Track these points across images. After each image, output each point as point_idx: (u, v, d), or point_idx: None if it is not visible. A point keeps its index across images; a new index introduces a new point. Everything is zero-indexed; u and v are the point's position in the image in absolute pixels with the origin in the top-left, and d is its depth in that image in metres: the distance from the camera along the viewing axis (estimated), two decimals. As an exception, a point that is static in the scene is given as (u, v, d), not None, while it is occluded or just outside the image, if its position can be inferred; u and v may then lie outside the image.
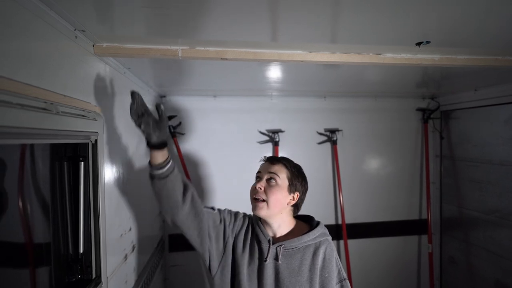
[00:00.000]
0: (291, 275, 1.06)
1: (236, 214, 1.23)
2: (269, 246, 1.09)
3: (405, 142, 2.64)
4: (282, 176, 1.12)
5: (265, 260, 1.07)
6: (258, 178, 1.15)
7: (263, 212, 1.09)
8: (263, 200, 1.09)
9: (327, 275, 1.07)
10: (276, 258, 1.07)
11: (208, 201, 2.40)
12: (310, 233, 1.10)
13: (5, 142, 0.66)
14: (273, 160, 1.16)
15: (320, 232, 1.12)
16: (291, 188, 1.13)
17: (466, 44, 1.19)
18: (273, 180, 1.11)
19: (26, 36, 0.75)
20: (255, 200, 1.11)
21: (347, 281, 1.11)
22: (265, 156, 1.21)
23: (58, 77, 0.89)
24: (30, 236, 0.92)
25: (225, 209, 1.23)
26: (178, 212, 1.08)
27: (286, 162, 1.16)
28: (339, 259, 1.13)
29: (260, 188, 1.10)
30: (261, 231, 1.13)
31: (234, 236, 1.16)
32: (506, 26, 1.01)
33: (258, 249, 1.11)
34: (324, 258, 1.09)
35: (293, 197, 1.14)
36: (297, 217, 1.21)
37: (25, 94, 0.71)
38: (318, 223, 1.16)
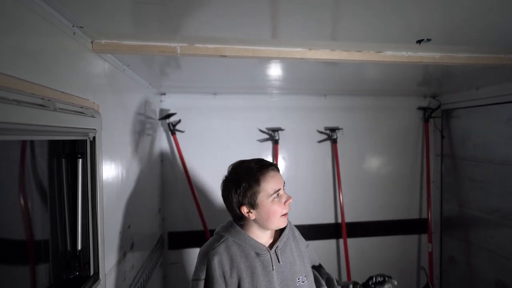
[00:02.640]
0: (291, 267, 1.07)
1: (212, 274, 0.99)
2: (270, 254, 1.05)
3: (405, 141, 2.62)
4: None
5: (272, 269, 1.04)
6: (279, 195, 1.01)
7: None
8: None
9: (303, 248, 1.16)
10: (278, 261, 1.06)
11: (207, 199, 2.40)
12: (288, 224, 1.12)
13: (2, 138, 0.66)
14: (275, 166, 1.06)
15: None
16: None
17: (468, 42, 1.18)
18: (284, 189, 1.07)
19: (22, 32, 0.74)
20: (284, 215, 1.04)
21: (309, 244, 1.21)
22: (263, 166, 1.02)
23: (56, 73, 0.89)
24: (28, 233, 0.91)
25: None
26: None
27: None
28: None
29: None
30: (257, 244, 1.05)
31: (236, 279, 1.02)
32: (508, 24, 1.00)
33: (260, 262, 1.03)
34: (298, 237, 1.17)
35: None
36: None
37: (22, 90, 0.71)
38: None
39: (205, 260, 1.01)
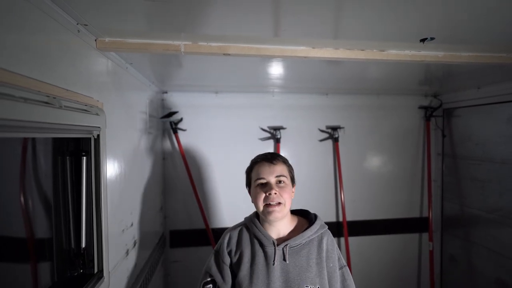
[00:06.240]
0: (300, 272, 1.05)
1: (221, 252, 1.14)
2: (274, 249, 1.07)
3: (407, 140, 2.63)
4: (286, 174, 1.12)
5: (273, 264, 1.05)
6: (263, 184, 1.09)
7: (281, 215, 1.07)
8: (279, 203, 1.06)
9: (331, 265, 1.09)
10: (284, 259, 1.06)
11: (209, 198, 2.41)
12: (312, 227, 1.11)
13: (8, 135, 0.66)
14: (273, 160, 1.12)
15: (320, 225, 1.13)
16: (292, 183, 1.15)
17: (471, 41, 1.18)
18: (282, 182, 1.09)
19: (27, 29, 0.74)
20: (269, 205, 1.06)
21: (347, 267, 1.13)
22: (259, 157, 1.15)
23: (61, 71, 0.89)
24: (32, 231, 0.92)
25: (211, 269, 1.13)
26: None
27: (282, 158, 1.16)
28: (337, 247, 1.15)
29: (275, 193, 1.06)
30: (264, 235, 1.10)
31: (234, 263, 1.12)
32: (511, 23, 1.00)
33: (263, 254, 1.08)
34: (327, 249, 1.10)
35: (293, 190, 1.15)
36: (292, 212, 1.20)
37: (28, 88, 0.71)
38: (316, 216, 1.17)
39: (222, 237, 1.18)
